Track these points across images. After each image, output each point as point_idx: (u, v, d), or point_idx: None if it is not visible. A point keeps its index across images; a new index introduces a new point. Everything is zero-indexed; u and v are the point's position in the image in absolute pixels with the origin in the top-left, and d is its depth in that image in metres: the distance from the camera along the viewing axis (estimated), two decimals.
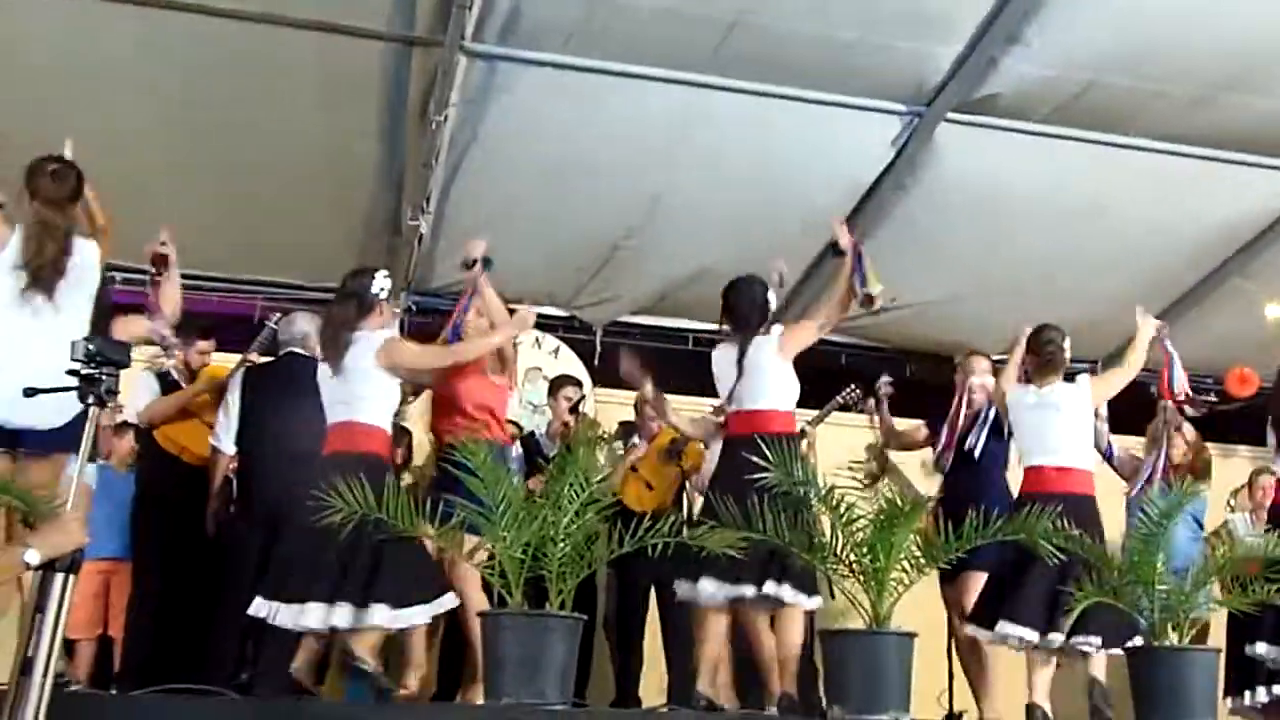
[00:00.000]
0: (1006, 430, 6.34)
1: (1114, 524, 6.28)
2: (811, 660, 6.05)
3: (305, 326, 6.23)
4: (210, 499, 6.19)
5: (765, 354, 5.61)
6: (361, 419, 5.22)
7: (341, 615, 4.94)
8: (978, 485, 6.28)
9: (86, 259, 4.64)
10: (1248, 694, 6.41)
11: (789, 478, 5.15)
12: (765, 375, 5.60)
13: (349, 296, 5.36)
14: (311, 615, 4.95)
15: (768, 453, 5.18)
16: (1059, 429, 5.89)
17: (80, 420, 3.39)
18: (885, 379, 7.04)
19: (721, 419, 6.04)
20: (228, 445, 6.18)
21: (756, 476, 5.16)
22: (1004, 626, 5.60)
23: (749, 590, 5.31)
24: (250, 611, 5.08)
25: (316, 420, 5.84)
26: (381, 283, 5.38)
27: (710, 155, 7.35)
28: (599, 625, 7.00)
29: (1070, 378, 6.11)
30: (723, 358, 5.72)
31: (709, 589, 5.34)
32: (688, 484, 7.19)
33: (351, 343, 5.25)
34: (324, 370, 5.33)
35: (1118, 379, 6.19)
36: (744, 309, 5.69)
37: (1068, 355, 6.09)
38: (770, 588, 5.30)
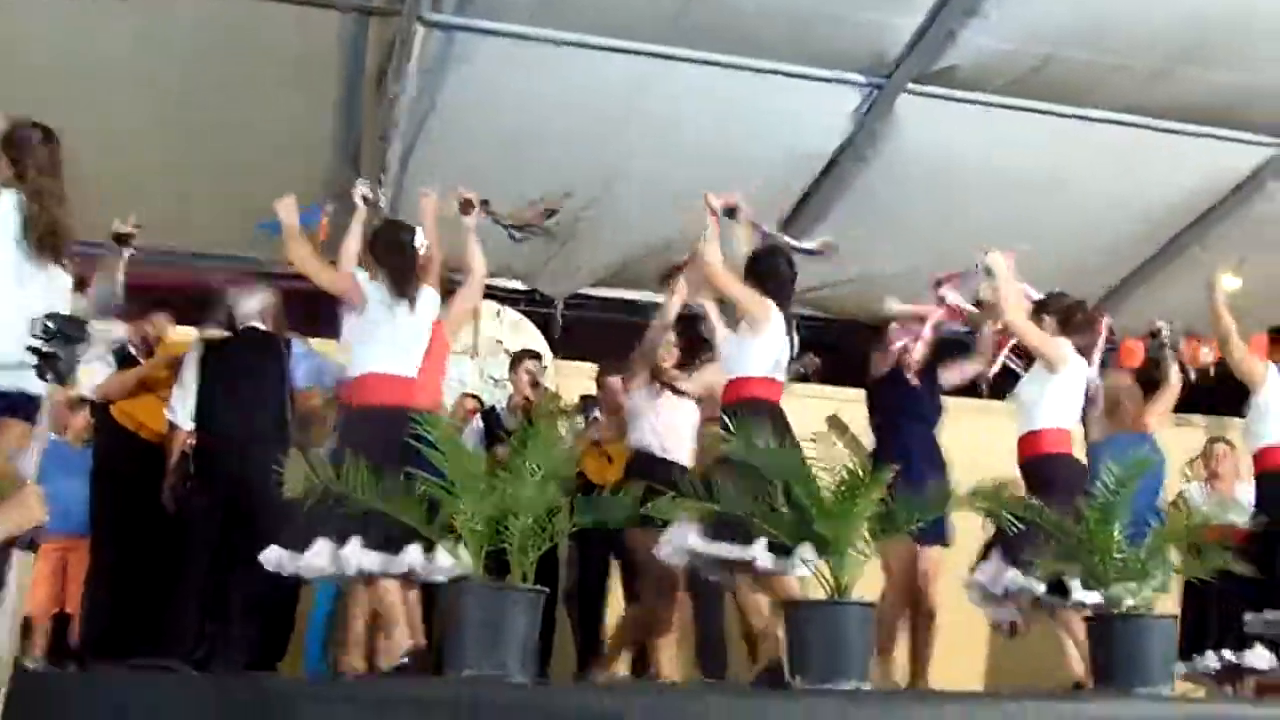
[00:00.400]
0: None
1: None
2: None
3: (263, 301, 6.18)
4: (167, 474, 6.13)
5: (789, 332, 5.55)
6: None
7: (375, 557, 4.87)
8: (932, 447, 6.15)
9: None
10: (1197, 658, 6.48)
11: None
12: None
13: (407, 251, 5.36)
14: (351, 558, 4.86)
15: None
16: (1080, 394, 5.82)
17: None
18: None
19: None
20: (184, 420, 6.10)
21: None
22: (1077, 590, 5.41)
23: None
24: (282, 561, 4.95)
25: (275, 394, 5.79)
26: (421, 238, 5.48)
27: (670, 126, 7.33)
28: (560, 599, 6.99)
29: None
30: (781, 325, 5.50)
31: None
32: None
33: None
34: (400, 315, 5.23)
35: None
36: (777, 280, 5.55)
37: None
38: None
